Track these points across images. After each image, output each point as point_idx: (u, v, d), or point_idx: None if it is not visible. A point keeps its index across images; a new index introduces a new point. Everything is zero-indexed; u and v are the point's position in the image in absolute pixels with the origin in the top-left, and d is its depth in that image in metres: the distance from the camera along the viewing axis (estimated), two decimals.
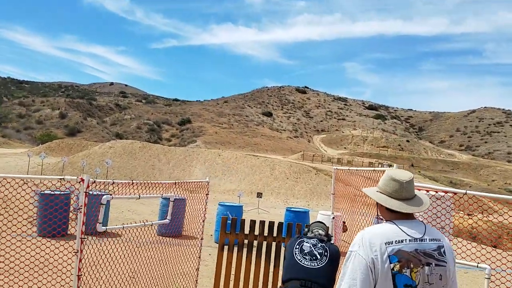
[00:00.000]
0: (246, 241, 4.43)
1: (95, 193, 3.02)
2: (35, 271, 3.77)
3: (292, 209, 9.85)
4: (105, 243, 4.39)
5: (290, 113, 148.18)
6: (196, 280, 4.38)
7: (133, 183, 3.32)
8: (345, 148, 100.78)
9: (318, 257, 3.11)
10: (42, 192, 8.67)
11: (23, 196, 3.37)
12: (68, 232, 8.93)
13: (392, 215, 1.94)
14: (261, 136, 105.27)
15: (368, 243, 1.83)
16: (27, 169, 21.98)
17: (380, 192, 1.99)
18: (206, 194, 4.45)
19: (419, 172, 62.01)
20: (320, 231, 3.37)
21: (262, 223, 4.44)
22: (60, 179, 2.84)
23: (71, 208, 9.72)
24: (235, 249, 4.35)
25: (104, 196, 2.97)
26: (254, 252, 4.37)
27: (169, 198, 3.69)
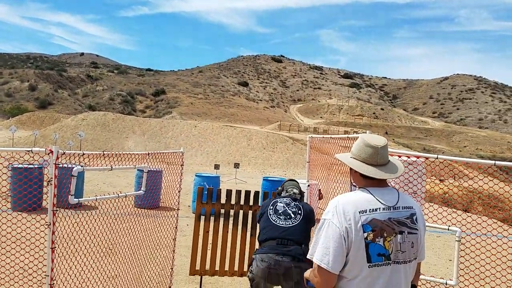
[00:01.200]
0: (223, 211, 4.45)
1: (68, 166, 2.91)
2: (7, 245, 3.66)
3: (268, 178, 9.96)
4: (79, 216, 4.30)
5: (266, 82, 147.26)
6: (174, 250, 4.39)
7: (104, 154, 3.22)
8: (321, 117, 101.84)
9: (292, 215, 3.16)
10: (14, 166, 8.37)
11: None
12: (42, 206, 8.77)
13: (366, 182, 1.90)
14: (238, 106, 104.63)
15: (342, 211, 1.79)
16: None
17: (354, 158, 1.94)
18: (181, 165, 4.39)
19: (393, 139, 63.66)
20: (295, 190, 3.43)
21: (238, 192, 4.45)
22: (28, 151, 2.71)
23: (45, 183, 9.50)
24: (212, 218, 4.37)
25: (75, 168, 2.87)
26: (231, 222, 4.41)
27: (143, 170, 3.62)
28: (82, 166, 2.98)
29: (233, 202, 4.43)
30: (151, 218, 6.44)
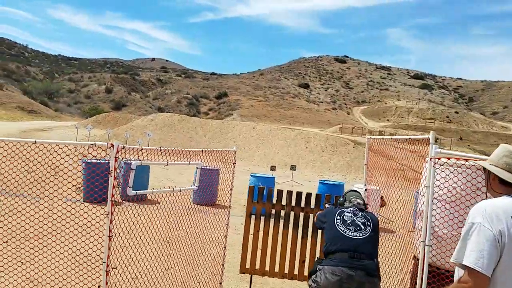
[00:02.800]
0: (274, 211, 4.43)
1: (132, 161, 3.09)
2: (74, 234, 3.97)
3: (325, 181, 9.73)
4: (141, 208, 4.55)
5: (328, 84, 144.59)
6: (225, 247, 4.46)
7: (161, 149, 3.38)
8: (388, 120, 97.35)
9: (362, 227, 3.04)
10: (88, 160, 9.08)
11: (71, 165, 3.50)
12: (112, 199, 9.43)
13: (506, 190, 1.94)
14: (297, 108, 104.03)
15: (493, 215, 1.80)
16: (75, 140, 23.23)
17: (494, 166, 2.01)
18: (233, 163, 4.45)
19: (469, 145, 58.94)
20: (359, 200, 3.30)
21: (289, 193, 4.40)
22: (91, 145, 2.93)
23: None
24: (263, 218, 4.36)
25: (133, 162, 3.05)
26: (281, 222, 4.37)
27: (197, 166, 3.73)
28: (140, 161, 3.13)
29: (283, 202, 4.39)
30: (206, 214, 6.57)
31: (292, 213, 4.34)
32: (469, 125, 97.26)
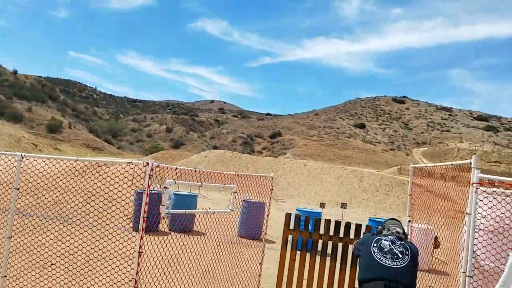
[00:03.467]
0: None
1: (168, 180, 3.24)
2: (121, 258, 4.14)
3: (375, 219, 9.26)
4: (186, 239, 4.65)
5: (385, 124, 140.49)
6: (260, 274, 4.38)
7: (196, 170, 3.50)
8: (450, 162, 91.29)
9: (400, 255, 2.92)
10: (139, 190, 9.52)
11: (124, 195, 3.74)
12: (159, 229, 9.75)
13: None
14: (353, 148, 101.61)
15: None
16: (132, 175, 24.56)
17: None
18: (270, 189, 4.45)
19: None
20: (398, 229, 3.15)
21: (327, 221, 4.27)
22: (128, 162, 3.13)
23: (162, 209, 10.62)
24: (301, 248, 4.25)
25: (168, 181, 3.19)
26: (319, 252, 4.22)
27: (232, 189, 3.79)
28: (174, 180, 3.27)
29: (321, 231, 4.25)
30: (246, 247, 6.53)
31: (330, 243, 4.19)
32: None
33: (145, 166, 3.07)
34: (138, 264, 2.97)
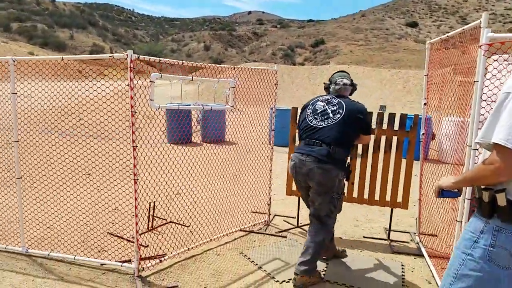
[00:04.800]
0: None
1: (154, 74, 3.08)
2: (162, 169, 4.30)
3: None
4: (217, 148, 4.68)
5: (441, 20, 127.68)
6: (270, 170, 4.39)
7: (182, 63, 3.34)
8: None
9: (331, 115, 2.99)
10: (168, 108, 9.82)
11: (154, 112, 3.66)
12: (193, 140, 10.08)
13: None
14: (404, 50, 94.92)
15: None
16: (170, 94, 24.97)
17: None
18: (275, 84, 4.22)
19: None
20: (345, 80, 3.17)
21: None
22: (110, 56, 3.01)
23: (194, 121, 10.94)
24: None
25: (153, 74, 3.06)
26: None
27: (230, 84, 3.61)
28: (160, 73, 3.13)
29: None
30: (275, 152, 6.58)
31: None
32: None
33: (126, 59, 2.95)
34: (134, 158, 3.03)
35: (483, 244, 1.59)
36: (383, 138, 3.89)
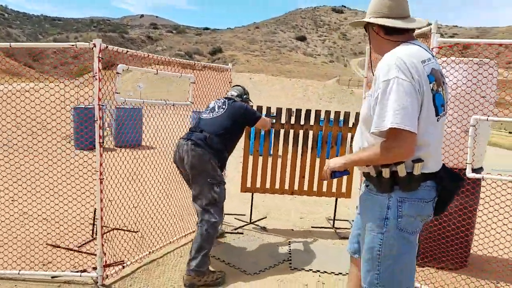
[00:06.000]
0: (273, 130, 4.31)
1: (120, 65, 2.87)
2: (67, 178, 3.84)
3: None
4: (135, 154, 4.39)
5: (325, 36, 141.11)
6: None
7: (148, 56, 3.18)
8: None
9: (216, 109, 3.25)
10: (76, 106, 8.81)
11: (59, 111, 3.34)
12: (104, 146, 9.33)
13: (396, 38, 1.73)
14: (295, 62, 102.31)
15: (408, 64, 1.56)
16: (63, 98, 22.82)
17: (378, 17, 1.76)
18: (229, 82, 4.27)
19: None
20: (233, 92, 3.51)
21: (289, 110, 4.26)
22: (72, 45, 2.72)
23: (106, 124, 9.96)
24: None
25: (120, 65, 2.86)
26: (281, 141, 4.27)
27: (190, 79, 3.54)
28: (127, 66, 2.93)
29: (283, 121, 4.26)
30: None
31: (291, 131, 4.23)
32: None
33: (93, 48, 2.69)
34: (101, 155, 2.76)
35: (392, 217, 1.68)
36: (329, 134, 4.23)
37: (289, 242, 3.90)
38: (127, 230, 3.94)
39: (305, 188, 4.31)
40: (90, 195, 4.29)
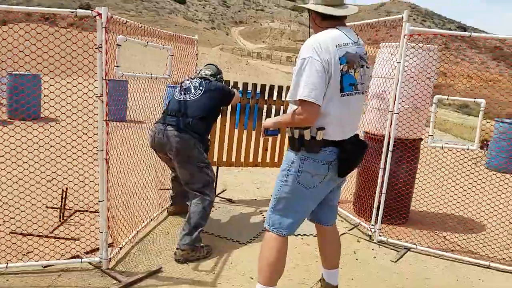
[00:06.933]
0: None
1: (120, 36, 2.65)
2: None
3: None
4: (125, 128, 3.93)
5: (205, 0, 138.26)
6: None
7: (141, 26, 3.00)
8: (263, 41, 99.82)
9: (192, 90, 3.20)
10: (11, 72, 7.72)
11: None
12: (42, 116, 8.32)
13: (329, 23, 2.02)
14: (175, 26, 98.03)
15: (322, 47, 1.89)
16: None
17: (316, 4, 2.05)
18: (195, 54, 4.23)
19: None
20: (207, 71, 3.48)
21: (254, 86, 4.43)
22: (72, 12, 2.41)
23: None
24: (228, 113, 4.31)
25: (119, 36, 2.66)
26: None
27: (168, 51, 3.42)
28: (125, 36, 2.74)
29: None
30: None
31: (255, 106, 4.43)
32: None
33: (97, 17, 2.42)
34: (107, 134, 2.57)
35: (294, 171, 2.07)
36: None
37: (261, 211, 4.20)
38: (92, 212, 3.72)
39: (268, 160, 4.60)
40: (42, 173, 3.79)
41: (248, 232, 3.66)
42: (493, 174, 5.62)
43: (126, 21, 2.74)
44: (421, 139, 4.01)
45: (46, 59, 2.65)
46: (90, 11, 2.44)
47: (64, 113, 2.87)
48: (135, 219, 3.48)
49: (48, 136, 3.06)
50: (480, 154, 7.84)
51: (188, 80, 3.36)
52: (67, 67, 3.05)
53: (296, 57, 2.05)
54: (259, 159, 4.57)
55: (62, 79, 2.83)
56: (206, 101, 3.17)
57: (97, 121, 2.59)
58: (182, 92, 3.23)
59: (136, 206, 3.64)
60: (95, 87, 2.56)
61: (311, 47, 1.91)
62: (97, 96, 2.55)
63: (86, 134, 3.07)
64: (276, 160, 4.61)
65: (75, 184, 3.73)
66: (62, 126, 3.40)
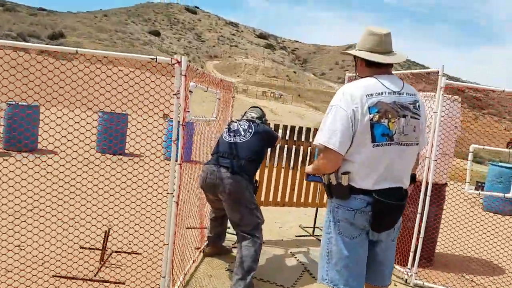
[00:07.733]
0: None
1: (192, 83, 2.70)
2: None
3: None
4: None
5: (180, 34, 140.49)
6: None
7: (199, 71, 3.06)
8: (238, 76, 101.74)
9: (242, 132, 3.23)
10: (10, 102, 7.64)
11: None
12: (39, 147, 8.13)
13: (373, 71, 1.98)
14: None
15: (349, 96, 1.87)
16: None
17: (360, 50, 2.02)
18: (232, 97, 4.30)
19: (305, 101, 67.02)
20: (252, 114, 3.54)
21: (285, 127, 4.54)
22: (152, 59, 2.44)
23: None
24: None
25: (191, 84, 2.72)
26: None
27: (218, 97, 3.50)
28: (195, 83, 2.81)
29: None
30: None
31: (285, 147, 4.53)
32: (304, 83, 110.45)
33: (175, 65, 2.46)
34: (180, 178, 2.55)
35: (332, 221, 1.99)
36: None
37: (292, 253, 4.16)
38: (126, 252, 3.59)
39: (295, 200, 4.66)
40: (71, 206, 3.60)
41: (288, 275, 3.63)
42: None
43: (197, 69, 2.81)
44: (446, 184, 4.22)
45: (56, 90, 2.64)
46: (169, 59, 2.49)
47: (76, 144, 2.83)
48: (179, 262, 3.40)
49: (74, 172, 3.00)
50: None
51: (235, 122, 3.39)
52: (64, 98, 3.05)
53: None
54: (287, 199, 4.62)
55: (70, 110, 2.83)
56: (255, 143, 3.21)
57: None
58: (232, 134, 3.25)
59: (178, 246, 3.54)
60: (93, 119, 2.55)
61: (340, 95, 1.91)
62: (171, 140, 2.57)
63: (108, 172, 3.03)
64: (302, 200, 4.68)
65: (103, 225, 3.61)
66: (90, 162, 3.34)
